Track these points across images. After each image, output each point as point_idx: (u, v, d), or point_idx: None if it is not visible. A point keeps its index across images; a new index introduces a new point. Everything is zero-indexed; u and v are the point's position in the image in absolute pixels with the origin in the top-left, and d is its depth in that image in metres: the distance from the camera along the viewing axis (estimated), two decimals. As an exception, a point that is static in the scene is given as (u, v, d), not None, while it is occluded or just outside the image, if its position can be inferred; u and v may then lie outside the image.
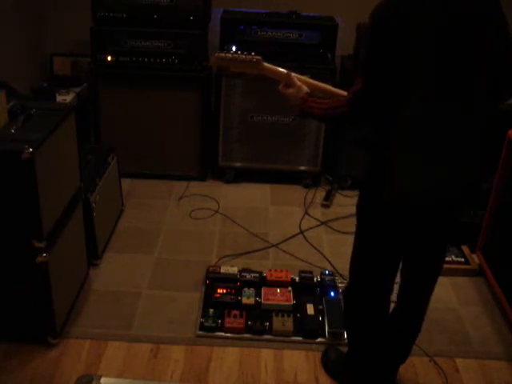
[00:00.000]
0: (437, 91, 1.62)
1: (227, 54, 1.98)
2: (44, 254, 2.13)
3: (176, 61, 3.44)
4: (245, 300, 2.56)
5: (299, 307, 2.55)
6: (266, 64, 2.01)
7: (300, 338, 2.43)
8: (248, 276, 2.69)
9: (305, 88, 1.91)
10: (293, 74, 1.96)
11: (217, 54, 1.99)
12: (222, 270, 2.73)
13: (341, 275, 2.80)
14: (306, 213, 3.43)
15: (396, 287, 2.10)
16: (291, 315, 2.48)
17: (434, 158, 1.68)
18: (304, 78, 2.00)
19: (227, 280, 2.67)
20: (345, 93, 1.95)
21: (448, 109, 1.64)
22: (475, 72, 1.63)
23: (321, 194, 3.64)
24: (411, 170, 1.70)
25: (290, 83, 1.94)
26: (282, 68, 2.01)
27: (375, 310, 2.05)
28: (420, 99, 1.62)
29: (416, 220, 1.81)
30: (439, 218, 1.85)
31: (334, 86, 2.08)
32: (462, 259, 2.96)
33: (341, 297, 2.63)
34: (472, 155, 1.74)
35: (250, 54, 1.99)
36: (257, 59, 1.98)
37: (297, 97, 1.90)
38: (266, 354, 2.35)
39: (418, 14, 1.55)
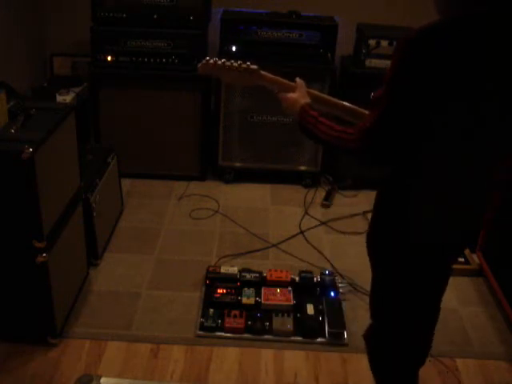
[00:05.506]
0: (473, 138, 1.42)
1: (218, 62, 1.69)
2: (44, 254, 2.13)
3: (176, 61, 3.44)
4: (245, 300, 2.56)
5: (299, 307, 2.55)
6: (263, 73, 1.74)
7: (300, 338, 2.42)
8: (248, 276, 2.69)
9: (307, 98, 1.68)
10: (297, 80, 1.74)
11: (205, 62, 1.70)
12: (222, 270, 2.72)
13: (341, 275, 2.80)
14: (306, 213, 3.43)
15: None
16: (291, 315, 2.48)
17: (460, 196, 1.54)
18: (311, 91, 1.75)
19: (227, 280, 2.67)
20: (364, 111, 1.70)
21: (478, 150, 1.46)
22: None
23: (321, 193, 3.64)
24: (436, 210, 1.53)
25: (290, 90, 1.71)
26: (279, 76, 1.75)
27: (410, 354, 1.85)
28: (451, 141, 1.42)
29: (441, 256, 1.66)
30: (458, 251, 1.76)
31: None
32: (462, 259, 2.96)
33: (341, 297, 2.63)
34: (487, 187, 1.59)
35: (244, 62, 1.68)
36: (253, 69, 1.70)
37: (295, 104, 1.65)
38: (266, 354, 2.35)
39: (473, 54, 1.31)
